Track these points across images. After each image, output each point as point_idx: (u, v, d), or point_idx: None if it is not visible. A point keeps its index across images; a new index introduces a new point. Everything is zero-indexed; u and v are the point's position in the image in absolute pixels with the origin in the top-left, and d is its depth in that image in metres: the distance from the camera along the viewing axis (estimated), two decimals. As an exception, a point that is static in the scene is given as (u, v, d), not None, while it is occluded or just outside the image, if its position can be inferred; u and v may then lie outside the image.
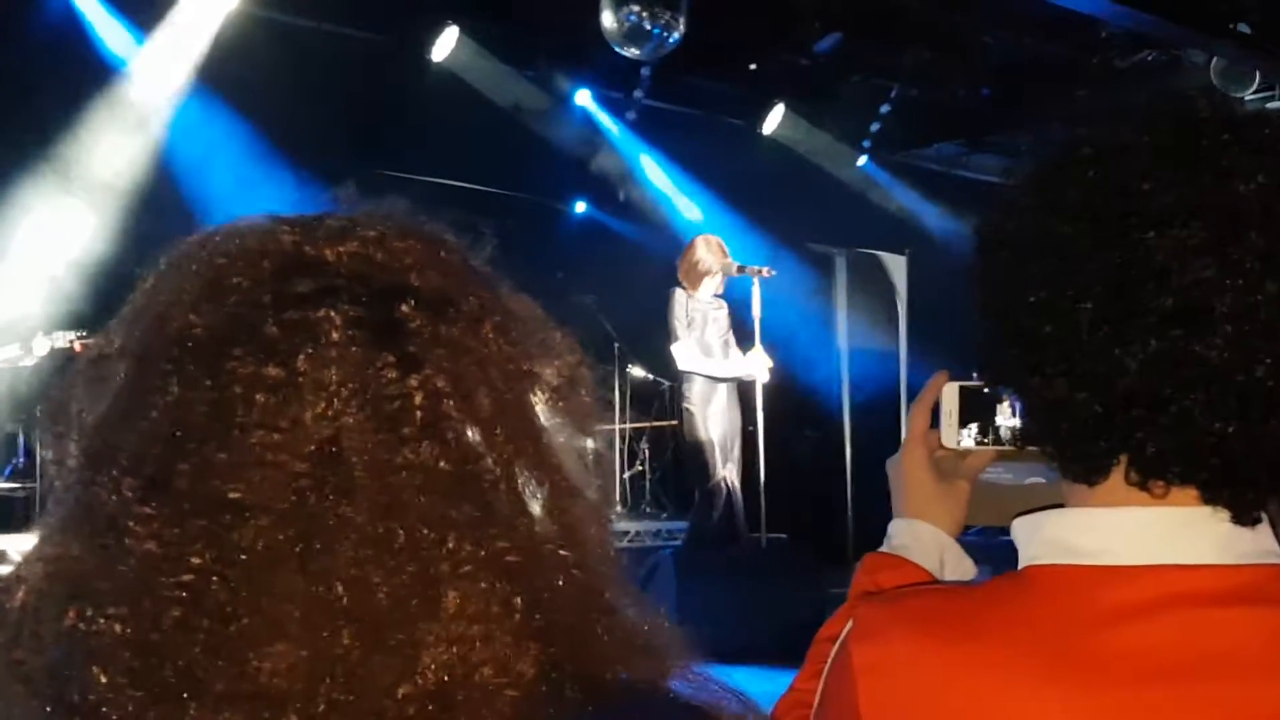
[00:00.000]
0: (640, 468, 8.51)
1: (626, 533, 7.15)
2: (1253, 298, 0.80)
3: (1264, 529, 0.87)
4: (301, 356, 0.65)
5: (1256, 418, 0.81)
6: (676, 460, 7.32)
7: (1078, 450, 0.87)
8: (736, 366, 6.40)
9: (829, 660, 0.94)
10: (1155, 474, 0.85)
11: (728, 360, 6.41)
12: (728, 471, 6.33)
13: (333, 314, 0.67)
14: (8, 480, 6.91)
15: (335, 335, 0.66)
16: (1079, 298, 0.83)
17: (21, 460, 6.93)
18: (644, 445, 8.47)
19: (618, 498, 8.15)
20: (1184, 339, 0.81)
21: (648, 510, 8.30)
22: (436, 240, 0.74)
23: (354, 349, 0.66)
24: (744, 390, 6.47)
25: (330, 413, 0.65)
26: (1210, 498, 0.85)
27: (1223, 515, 0.86)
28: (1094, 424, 0.84)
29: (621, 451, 8.27)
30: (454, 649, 0.64)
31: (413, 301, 0.69)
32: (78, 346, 5.19)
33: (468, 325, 0.70)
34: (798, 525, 7.36)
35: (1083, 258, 0.84)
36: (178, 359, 0.67)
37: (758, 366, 6.35)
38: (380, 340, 0.67)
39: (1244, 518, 0.85)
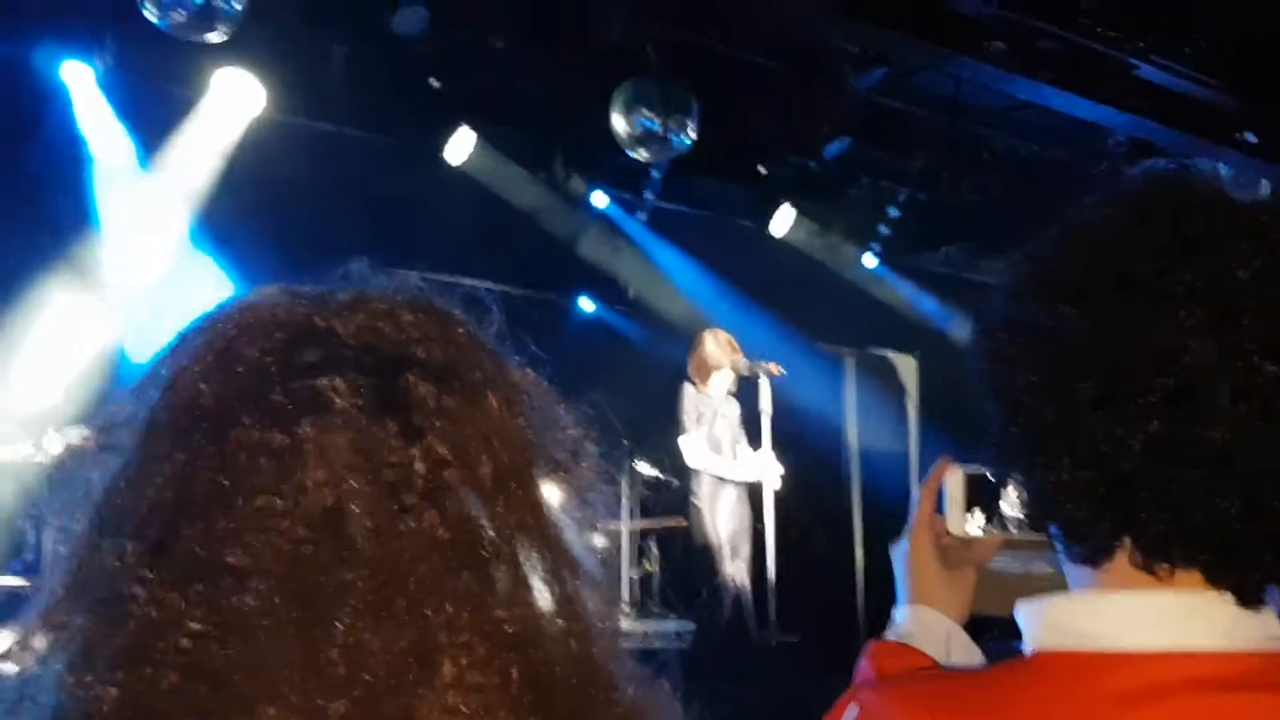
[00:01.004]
0: (648, 567, 8.42)
1: (634, 633, 7.05)
2: (1253, 380, 0.80)
3: (1268, 612, 0.86)
4: (306, 424, 0.66)
5: (1259, 499, 0.81)
6: (685, 559, 7.26)
7: (1081, 531, 0.87)
8: (746, 470, 6.36)
9: (833, 747, 0.93)
10: (1159, 556, 0.85)
11: (736, 459, 6.39)
12: (736, 570, 6.27)
13: (339, 383, 0.68)
14: (17, 575, 6.87)
15: (340, 403, 0.67)
16: (1080, 379, 0.84)
17: (32, 556, 6.90)
18: (652, 544, 8.40)
19: (625, 597, 8.05)
20: (1185, 420, 0.81)
21: (655, 610, 8.19)
22: (444, 314, 0.76)
23: (358, 417, 0.67)
24: (753, 488, 6.43)
25: (333, 479, 0.65)
26: (1214, 580, 0.85)
27: (1227, 598, 0.85)
28: (1097, 505, 0.84)
29: (630, 550, 8.20)
30: (450, 719, 0.64)
31: (418, 372, 0.70)
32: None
33: (472, 397, 0.71)
34: (809, 627, 7.25)
35: (1083, 339, 0.85)
36: (185, 427, 0.68)
37: (768, 472, 6.28)
38: (384, 409, 0.68)
39: (1248, 600, 0.85)
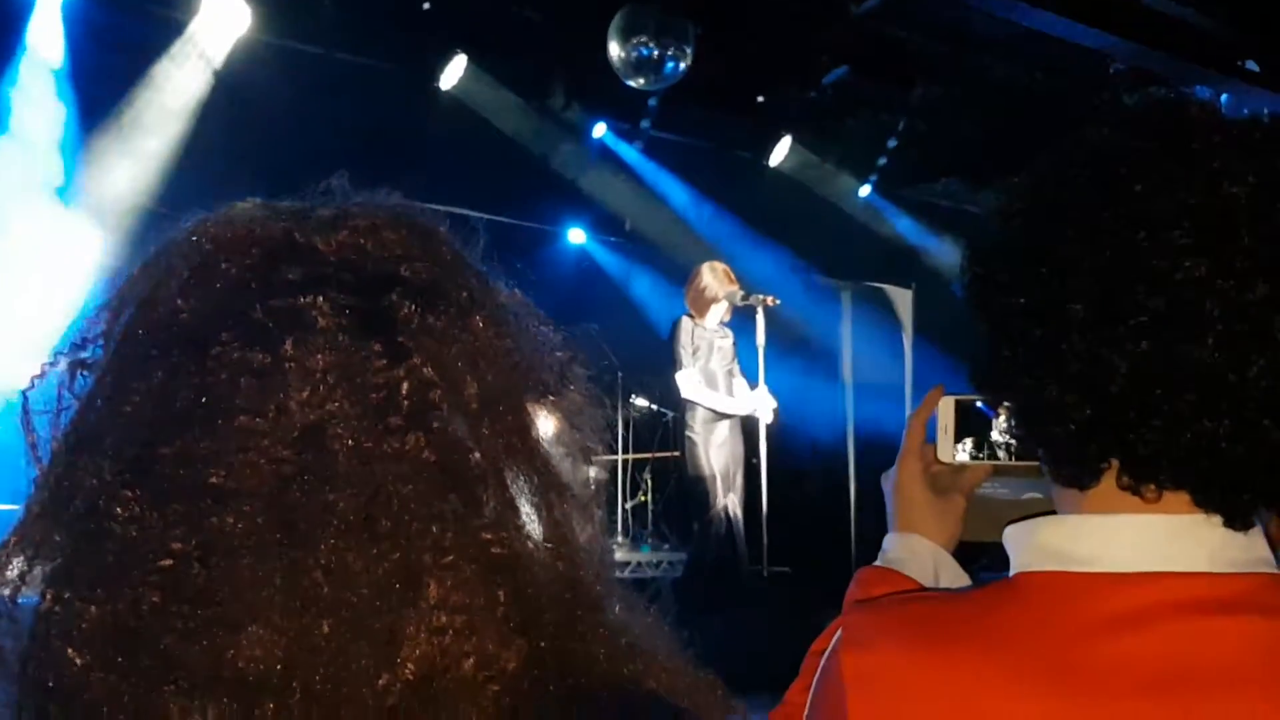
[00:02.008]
0: (642, 498, 8.48)
1: (627, 563, 7.12)
2: (1243, 298, 0.79)
3: (1256, 535, 0.86)
4: (288, 343, 0.65)
5: (1248, 419, 0.80)
6: (679, 491, 7.29)
7: (1069, 454, 0.86)
8: (741, 404, 6.36)
9: (819, 669, 0.93)
10: (1147, 477, 0.84)
11: (732, 394, 6.39)
12: (729, 502, 6.30)
13: (321, 301, 0.66)
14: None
15: (323, 322, 0.66)
16: (1070, 300, 0.83)
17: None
18: (646, 476, 8.45)
19: (619, 528, 8.11)
20: (1175, 340, 0.80)
21: (649, 541, 8.27)
22: (429, 232, 0.74)
23: (341, 336, 0.66)
24: (747, 421, 6.44)
25: (315, 399, 0.64)
26: (1202, 501, 0.84)
27: (1215, 521, 0.85)
28: (1085, 427, 0.83)
29: (623, 482, 8.24)
30: (435, 640, 0.63)
31: (402, 291, 0.69)
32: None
33: (458, 316, 0.70)
34: (801, 558, 7.32)
35: (1074, 260, 0.83)
36: (164, 344, 0.66)
37: (762, 406, 6.29)
38: (368, 328, 0.67)
39: (1236, 522, 0.84)
